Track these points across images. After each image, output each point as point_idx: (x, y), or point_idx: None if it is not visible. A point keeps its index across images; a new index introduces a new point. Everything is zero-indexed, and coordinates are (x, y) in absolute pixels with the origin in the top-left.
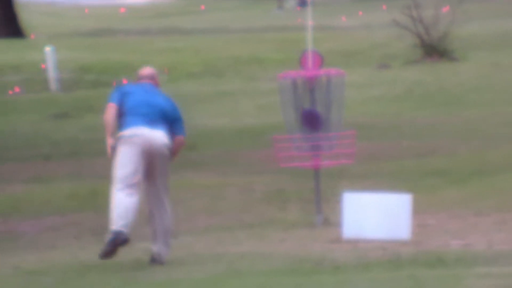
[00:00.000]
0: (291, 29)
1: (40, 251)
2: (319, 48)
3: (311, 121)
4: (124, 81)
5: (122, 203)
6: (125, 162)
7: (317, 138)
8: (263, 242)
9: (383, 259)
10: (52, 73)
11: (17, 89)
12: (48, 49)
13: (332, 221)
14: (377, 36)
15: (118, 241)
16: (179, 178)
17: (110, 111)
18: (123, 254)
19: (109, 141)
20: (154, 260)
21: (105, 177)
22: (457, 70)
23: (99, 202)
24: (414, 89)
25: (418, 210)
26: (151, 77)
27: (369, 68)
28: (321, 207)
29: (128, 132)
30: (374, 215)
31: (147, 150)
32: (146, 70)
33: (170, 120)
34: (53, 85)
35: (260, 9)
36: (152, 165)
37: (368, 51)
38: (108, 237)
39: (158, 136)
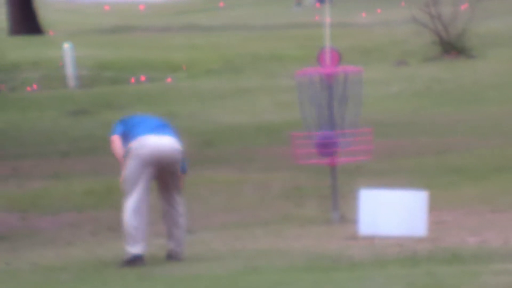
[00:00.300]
0: (310, 26)
1: (58, 247)
2: (338, 45)
3: (326, 146)
4: (142, 78)
5: (132, 224)
6: (133, 180)
7: (334, 135)
8: (280, 238)
9: (400, 255)
10: (70, 70)
11: (35, 86)
12: (66, 46)
13: (348, 218)
14: (396, 33)
15: (137, 263)
16: (197, 175)
17: (116, 143)
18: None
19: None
20: (170, 257)
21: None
22: (475, 67)
23: (116, 198)
24: (432, 86)
25: (435, 207)
26: None
27: (387, 65)
28: (338, 204)
29: (135, 143)
30: (391, 212)
31: (156, 159)
32: None
33: None
34: (71, 82)
35: (279, 6)
36: (164, 171)
37: (386, 48)
38: (126, 257)
39: (167, 141)
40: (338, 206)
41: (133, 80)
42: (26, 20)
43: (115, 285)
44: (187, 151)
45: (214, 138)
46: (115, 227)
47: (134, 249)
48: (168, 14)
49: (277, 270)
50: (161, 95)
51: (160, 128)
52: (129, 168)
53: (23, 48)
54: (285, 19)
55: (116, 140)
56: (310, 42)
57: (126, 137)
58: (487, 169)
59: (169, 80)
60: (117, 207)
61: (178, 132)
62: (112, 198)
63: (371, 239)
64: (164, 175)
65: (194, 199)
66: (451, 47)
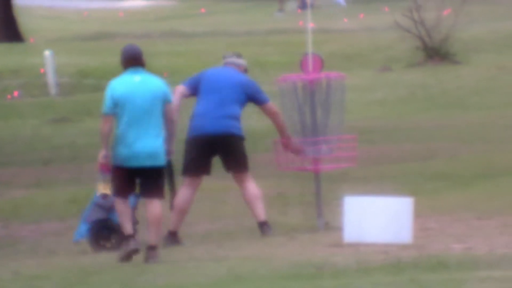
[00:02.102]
0: (293, 32)
1: (40, 256)
2: (320, 51)
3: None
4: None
5: None
6: None
7: (318, 142)
8: (264, 246)
9: (385, 263)
10: (51, 77)
11: (16, 94)
12: (47, 53)
13: (333, 225)
14: (379, 38)
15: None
16: (179, 183)
17: None
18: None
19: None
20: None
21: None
22: (459, 73)
23: None
24: (416, 92)
25: (420, 214)
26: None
27: (370, 71)
28: (322, 211)
29: None
30: (376, 218)
31: None
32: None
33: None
34: (52, 89)
35: (261, 12)
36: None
37: (369, 54)
38: None
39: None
40: (323, 213)
41: None
42: (6, 27)
43: None
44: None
45: None
46: None
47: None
48: (148, 20)
49: (261, 278)
50: None
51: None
52: None
53: (3, 56)
54: (267, 25)
55: None
56: (293, 48)
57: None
58: (472, 175)
59: None
60: None
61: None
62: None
63: (356, 246)
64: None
65: None
66: (435, 52)
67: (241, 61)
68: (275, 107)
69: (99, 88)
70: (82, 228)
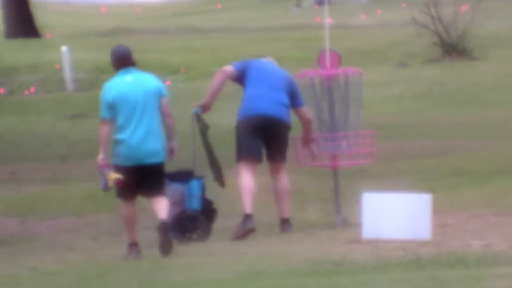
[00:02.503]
0: (310, 27)
1: (57, 252)
2: (337, 47)
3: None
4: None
5: None
6: None
7: (336, 138)
8: (283, 242)
9: (404, 259)
10: (67, 73)
11: (33, 89)
12: (64, 48)
13: (351, 222)
14: (396, 34)
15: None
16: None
17: None
18: (143, 253)
19: None
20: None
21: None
22: (477, 69)
23: (116, 203)
24: (433, 88)
25: (438, 210)
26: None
27: (388, 67)
28: (341, 207)
29: None
30: (394, 215)
31: None
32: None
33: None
34: (69, 85)
35: (278, 8)
36: None
37: (387, 50)
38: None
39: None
40: (341, 210)
41: None
42: (23, 23)
43: None
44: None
45: (214, 141)
46: (116, 232)
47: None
48: (165, 16)
49: (279, 274)
50: None
51: None
52: None
53: (20, 52)
54: (284, 21)
55: None
56: (310, 43)
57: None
58: (490, 171)
59: (168, 82)
60: (117, 212)
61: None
62: (112, 202)
63: (374, 242)
64: None
65: None
66: (452, 48)
67: None
68: (308, 113)
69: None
70: None
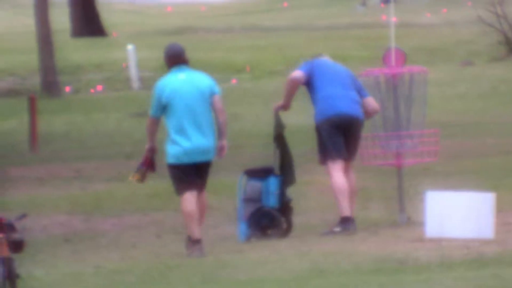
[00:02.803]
0: (375, 26)
1: (122, 249)
2: (403, 46)
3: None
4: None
5: None
6: None
7: (400, 136)
8: (346, 241)
9: (467, 258)
10: (133, 72)
11: (99, 88)
12: (129, 47)
13: (415, 220)
14: (461, 33)
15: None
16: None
17: None
18: (207, 252)
19: None
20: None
21: None
22: None
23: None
24: (498, 87)
25: (501, 209)
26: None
27: (452, 65)
28: (404, 205)
29: None
30: (457, 213)
31: None
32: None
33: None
34: (134, 83)
35: (343, 6)
36: None
37: (451, 48)
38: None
39: None
40: (405, 208)
41: None
42: (89, 22)
43: (180, 287)
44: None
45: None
46: (180, 230)
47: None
48: (230, 15)
49: (344, 272)
50: (225, 97)
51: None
52: None
53: (86, 50)
54: (349, 19)
55: None
56: (374, 42)
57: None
58: None
59: (233, 81)
60: (180, 210)
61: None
62: (176, 200)
63: (437, 241)
64: None
65: None
66: None
67: None
68: (375, 103)
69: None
70: (243, 228)
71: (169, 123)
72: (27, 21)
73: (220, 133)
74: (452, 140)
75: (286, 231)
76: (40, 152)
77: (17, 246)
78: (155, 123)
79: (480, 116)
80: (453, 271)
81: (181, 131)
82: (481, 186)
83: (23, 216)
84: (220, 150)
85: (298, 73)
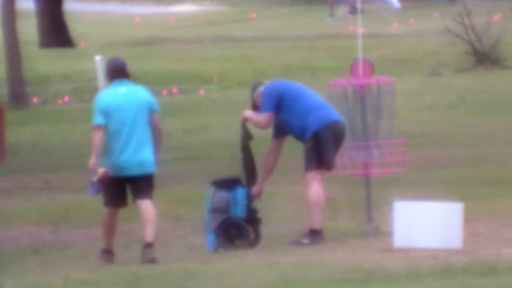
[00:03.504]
0: (343, 36)
1: (90, 260)
2: (371, 56)
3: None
4: (174, 91)
5: None
6: None
7: (368, 147)
8: (315, 251)
9: (435, 268)
10: (101, 83)
11: (66, 99)
12: (97, 58)
13: (383, 230)
14: (429, 43)
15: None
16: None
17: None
18: (176, 262)
19: None
20: None
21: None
22: (510, 78)
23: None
24: (466, 97)
25: (470, 219)
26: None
27: (420, 75)
28: (372, 215)
29: None
30: (426, 223)
31: None
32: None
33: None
34: None
35: (312, 17)
36: None
37: (420, 59)
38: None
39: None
40: (373, 218)
41: (165, 92)
42: (57, 33)
43: None
44: (220, 164)
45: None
46: None
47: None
48: (199, 25)
49: (312, 282)
50: (194, 107)
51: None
52: None
53: (54, 61)
54: (317, 30)
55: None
56: (343, 53)
57: None
58: None
59: (201, 92)
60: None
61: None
62: None
63: (406, 251)
64: None
65: None
66: (485, 57)
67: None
68: None
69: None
70: (211, 239)
71: (105, 136)
72: None
73: (156, 148)
74: (420, 151)
75: (254, 242)
76: (8, 163)
77: None
78: (98, 131)
79: (448, 127)
80: (421, 281)
81: (117, 144)
82: (449, 196)
83: None
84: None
85: (267, 119)
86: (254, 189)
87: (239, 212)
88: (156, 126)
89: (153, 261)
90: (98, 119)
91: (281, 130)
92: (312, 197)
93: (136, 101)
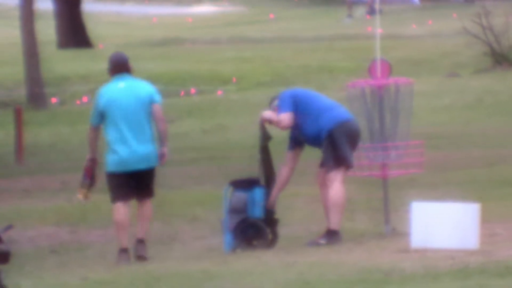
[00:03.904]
0: (361, 37)
1: (108, 261)
2: (388, 57)
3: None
4: (192, 91)
5: None
6: None
7: (386, 148)
8: (332, 252)
9: (452, 268)
10: None
11: (84, 99)
12: None
13: (400, 231)
14: (447, 44)
15: None
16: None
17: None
18: (193, 263)
19: None
20: None
21: (175, 187)
22: None
23: (166, 211)
24: (484, 98)
25: (487, 220)
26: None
27: (438, 76)
28: (390, 216)
29: None
30: (443, 224)
31: None
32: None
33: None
34: None
35: (330, 18)
36: None
37: (437, 60)
38: None
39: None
40: (390, 219)
41: (182, 93)
42: (75, 34)
43: None
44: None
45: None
46: (165, 241)
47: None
48: (217, 26)
49: (329, 283)
50: (211, 108)
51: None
52: None
53: (73, 61)
54: (335, 31)
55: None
56: (361, 53)
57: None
58: None
59: (219, 92)
60: (166, 220)
61: (226, 144)
62: (162, 211)
63: (423, 252)
64: None
65: None
66: (503, 58)
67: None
68: None
69: (167, 93)
70: (228, 239)
71: (107, 132)
72: (14, 33)
73: (160, 140)
74: (437, 152)
75: (271, 242)
76: (26, 163)
77: (3, 257)
78: (94, 131)
79: (465, 128)
80: (438, 282)
81: (119, 139)
82: (466, 197)
83: (9, 227)
84: (160, 157)
85: (288, 117)
86: (268, 201)
87: (257, 212)
88: (158, 117)
89: (141, 258)
90: (94, 119)
91: (296, 141)
92: (333, 197)
93: (135, 95)
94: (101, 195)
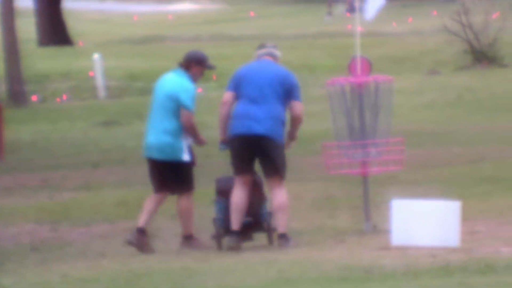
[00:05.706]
0: (341, 35)
1: (89, 258)
2: (369, 54)
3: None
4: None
5: None
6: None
7: (366, 145)
8: (313, 249)
9: (433, 266)
10: (100, 81)
11: (65, 97)
12: (96, 56)
13: (381, 228)
14: (427, 42)
15: None
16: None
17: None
18: (174, 260)
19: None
20: None
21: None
22: (507, 76)
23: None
24: (464, 96)
25: (468, 217)
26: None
27: (419, 74)
28: (370, 214)
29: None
30: (423, 222)
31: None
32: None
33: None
34: (101, 92)
35: (310, 16)
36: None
37: (418, 58)
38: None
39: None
40: (371, 217)
41: None
42: (56, 31)
43: None
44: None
45: None
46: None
47: None
48: (197, 24)
49: (310, 281)
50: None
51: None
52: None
53: (53, 59)
54: (316, 29)
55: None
56: (341, 51)
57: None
58: None
59: (199, 90)
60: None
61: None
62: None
63: (403, 249)
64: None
65: None
66: (483, 56)
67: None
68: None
69: (148, 91)
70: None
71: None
72: None
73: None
74: (418, 149)
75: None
76: (6, 161)
77: None
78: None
79: (446, 125)
80: (419, 279)
81: (147, 125)
82: (447, 194)
83: None
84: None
85: (226, 95)
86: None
87: None
88: (182, 120)
89: (128, 242)
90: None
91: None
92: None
93: (164, 89)
94: (82, 192)
